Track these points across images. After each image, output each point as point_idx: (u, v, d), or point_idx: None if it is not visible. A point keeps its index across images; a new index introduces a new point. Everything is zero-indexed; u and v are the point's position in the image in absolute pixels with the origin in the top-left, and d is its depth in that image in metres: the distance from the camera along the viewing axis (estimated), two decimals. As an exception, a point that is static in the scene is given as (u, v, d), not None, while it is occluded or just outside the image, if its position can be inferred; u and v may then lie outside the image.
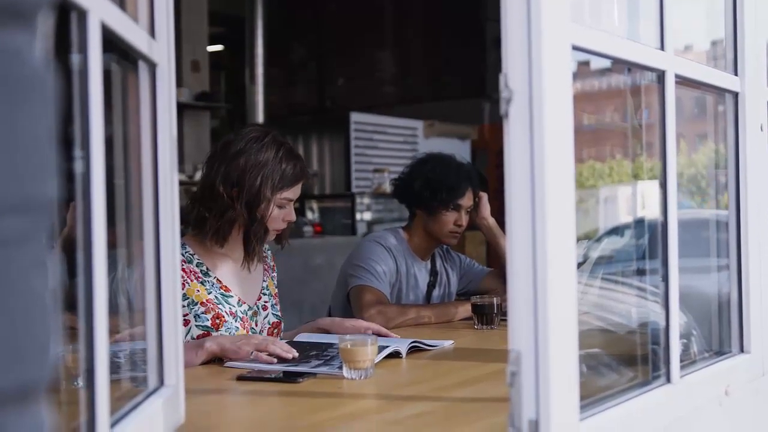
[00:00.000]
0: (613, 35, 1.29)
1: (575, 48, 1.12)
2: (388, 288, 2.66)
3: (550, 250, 1.03)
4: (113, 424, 0.96)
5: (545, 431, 1.03)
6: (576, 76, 1.12)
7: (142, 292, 1.21)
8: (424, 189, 2.73)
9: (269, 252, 2.34)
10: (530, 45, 1.04)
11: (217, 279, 2.13)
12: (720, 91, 1.69)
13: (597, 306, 1.62)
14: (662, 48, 1.39)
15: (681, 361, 1.41)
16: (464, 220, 2.76)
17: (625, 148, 1.86)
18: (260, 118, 8.36)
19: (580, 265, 1.51)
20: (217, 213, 2.08)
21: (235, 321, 2.11)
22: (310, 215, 7.05)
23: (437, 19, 9.16)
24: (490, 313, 2.45)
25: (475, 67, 8.72)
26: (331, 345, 1.98)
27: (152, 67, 1.20)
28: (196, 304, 2.06)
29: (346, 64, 9.81)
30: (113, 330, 1.00)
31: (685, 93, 1.58)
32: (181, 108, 6.91)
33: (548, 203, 1.03)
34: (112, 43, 0.99)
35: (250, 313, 2.17)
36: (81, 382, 0.93)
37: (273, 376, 1.74)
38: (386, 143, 7.70)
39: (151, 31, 1.21)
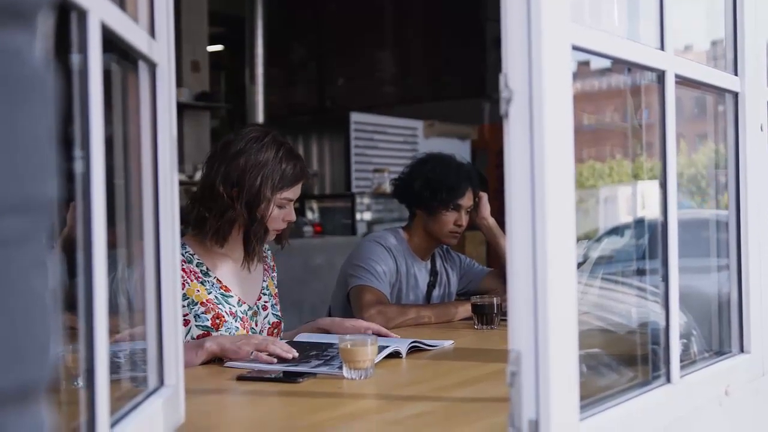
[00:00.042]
0: (613, 35, 1.29)
1: (575, 48, 1.12)
2: (388, 288, 2.66)
3: (550, 250, 1.03)
4: (113, 424, 0.96)
5: (545, 431, 1.03)
6: (576, 76, 1.12)
7: (142, 292, 1.21)
8: (424, 189, 2.73)
9: (269, 252, 2.34)
10: (530, 45, 1.04)
11: (217, 279, 2.13)
12: (720, 91, 1.69)
13: (597, 306, 1.62)
14: (662, 48, 1.39)
15: (681, 361, 1.41)
16: (464, 220, 2.76)
17: (625, 148, 1.86)
18: (260, 118, 8.36)
19: (580, 265, 1.51)
20: (217, 213, 2.08)
21: (235, 321, 2.11)
22: (310, 215, 7.06)
23: (437, 19, 9.16)
24: (490, 313, 2.45)
25: (475, 67, 8.72)
26: (331, 345, 1.98)
27: (152, 67, 1.20)
28: (196, 304, 2.06)
29: (346, 64, 9.81)
30: (113, 330, 1.00)
31: (685, 93, 1.58)
32: (181, 108, 6.92)
33: (548, 203, 1.03)
34: (112, 43, 0.99)
35: (250, 313, 2.17)
36: (81, 382, 0.93)
37: (273, 376, 1.74)
38: (386, 143, 7.70)
39: (151, 31, 1.21)
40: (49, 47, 0.64)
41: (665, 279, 1.39)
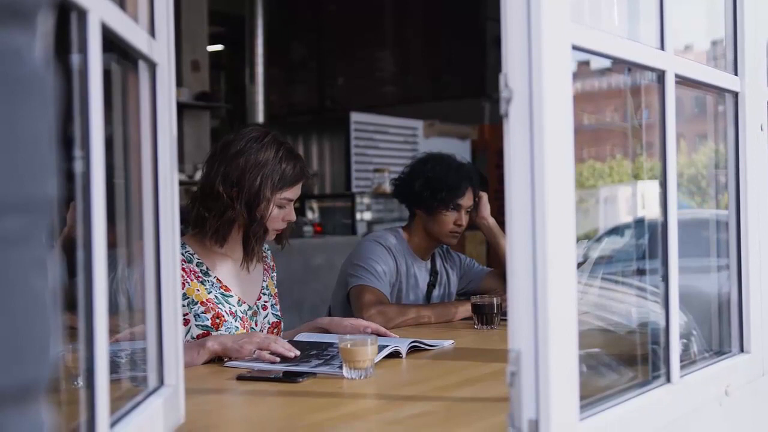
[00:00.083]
0: (613, 35, 1.29)
1: (575, 48, 1.12)
2: (388, 288, 2.66)
3: (550, 250, 1.03)
4: (113, 424, 0.96)
5: (545, 431, 1.03)
6: (576, 76, 1.12)
7: (142, 292, 1.21)
8: (424, 189, 2.73)
9: (269, 252, 2.34)
10: (530, 45, 1.04)
11: (217, 279, 2.13)
12: (720, 91, 1.69)
13: (597, 306, 1.62)
14: (662, 48, 1.39)
15: (681, 361, 1.41)
16: (464, 220, 2.76)
17: (625, 148, 1.86)
18: (260, 118, 8.37)
19: (580, 265, 1.51)
20: (216, 213, 2.08)
21: (235, 321, 2.11)
22: (310, 215, 7.06)
23: (437, 19, 9.16)
24: (490, 313, 2.45)
25: (475, 67, 8.73)
26: (331, 344, 1.98)
27: (152, 66, 1.20)
28: (196, 303, 2.06)
29: (346, 64, 9.82)
30: (113, 330, 1.00)
31: (685, 93, 1.58)
32: (181, 108, 6.92)
33: (548, 203, 1.03)
34: (112, 42, 0.99)
35: (249, 312, 2.17)
36: (81, 382, 0.93)
37: (273, 375, 1.74)
38: (386, 143, 7.70)
39: (151, 31, 1.21)
40: (49, 47, 0.64)
41: (665, 279, 1.39)
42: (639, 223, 1.78)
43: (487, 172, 7.28)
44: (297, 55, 10.18)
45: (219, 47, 10.26)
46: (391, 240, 2.76)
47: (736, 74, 1.68)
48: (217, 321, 2.07)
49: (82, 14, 0.87)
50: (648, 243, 1.61)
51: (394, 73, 9.58)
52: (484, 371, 1.83)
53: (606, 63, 1.41)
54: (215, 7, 7.96)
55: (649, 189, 1.55)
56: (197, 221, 2.13)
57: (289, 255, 2.53)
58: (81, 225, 0.88)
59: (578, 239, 1.13)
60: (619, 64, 1.45)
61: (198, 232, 2.15)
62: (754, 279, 1.69)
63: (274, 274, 2.34)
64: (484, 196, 2.85)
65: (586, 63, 1.30)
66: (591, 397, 1.19)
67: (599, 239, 2.05)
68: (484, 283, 2.91)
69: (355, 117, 7.55)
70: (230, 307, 2.12)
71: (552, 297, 1.03)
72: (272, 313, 2.25)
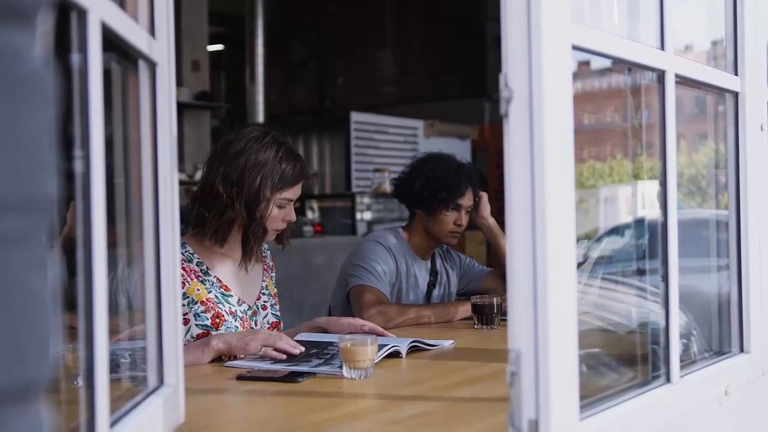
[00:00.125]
0: (613, 35, 1.29)
1: (575, 48, 1.12)
2: (388, 288, 2.66)
3: (550, 250, 1.03)
4: (113, 424, 0.96)
5: (545, 431, 1.03)
6: (576, 76, 1.12)
7: (142, 292, 1.21)
8: (424, 189, 2.73)
9: (268, 252, 2.34)
10: (530, 45, 1.04)
11: (217, 278, 2.13)
12: (720, 91, 1.69)
13: (597, 306, 1.62)
14: (662, 48, 1.39)
15: (681, 361, 1.41)
16: (464, 219, 2.76)
17: (625, 148, 1.86)
18: (260, 117, 8.37)
19: (580, 265, 1.51)
20: (216, 213, 2.08)
21: (235, 320, 2.11)
22: (310, 215, 7.06)
23: (437, 19, 9.16)
24: (490, 313, 2.45)
25: (476, 67, 8.73)
26: (331, 344, 1.98)
27: (152, 66, 1.20)
28: (196, 303, 2.06)
29: (346, 64, 9.82)
30: (113, 330, 1.00)
31: (685, 93, 1.58)
32: (181, 108, 6.92)
33: (548, 203, 1.03)
34: (112, 42, 0.99)
35: (249, 312, 2.17)
36: (81, 382, 0.93)
37: (273, 375, 1.74)
38: (386, 143, 7.70)
39: (151, 31, 1.21)
40: (49, 47, 0.64)
41: (665, 279, 1.39)
42: (639, 223, 1.78)
43: (487, 172, 7.28)
44: (297, 55, 10.19)
45: (219, 47, 10.26)
46: (391, 240, 2.76)
47: (736, 74, 1.68)
48: (217, 321, 2.07)
49: (82, 14, 0.87)
50: (648, 243, 1.61)
51: (394, 73, 9.58)
52: (484, 371, 1.83)
53: (606, 63, 1.41)
54: (215, 7, 7.96)
55: (649, 189, 1.55)
56: (197, 221, 2.13)
57: (289, 255, 2.53)
58: (81, 225, 0.88)
59: (578, 239, 1.13)
60: (619, 64, 1.45)
61: (198, 232, 2.15)
62: (754, 279, 1.69)
63: (273, 274, 2.34)
64: (484, 196, 2.85)
65: (587, 63, 1.30)
66: (591, 397, 1.19)
67: (599, 239, 2.05)
68: (484, 283, 2.91)
69: (355, 117, 7.56)
70: (230, 307, 2.12)
71: (552, 297, 1.03)
72: (272, 313, 2.25)
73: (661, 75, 1.39)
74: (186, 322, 2.04)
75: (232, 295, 2.14)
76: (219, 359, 1.92)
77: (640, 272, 1.71)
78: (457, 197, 2.72)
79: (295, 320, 2.51)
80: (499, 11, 1.06)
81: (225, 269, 2.16)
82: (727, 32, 1.69)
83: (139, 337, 1.24)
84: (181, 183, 5.92)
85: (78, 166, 0.87)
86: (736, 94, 1.68)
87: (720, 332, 1.74)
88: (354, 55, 9.67)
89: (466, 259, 3.01)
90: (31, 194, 0.60)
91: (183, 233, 2.10)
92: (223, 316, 2.09)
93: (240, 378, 1.74)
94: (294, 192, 2.14)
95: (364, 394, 1.63)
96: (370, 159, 7.52)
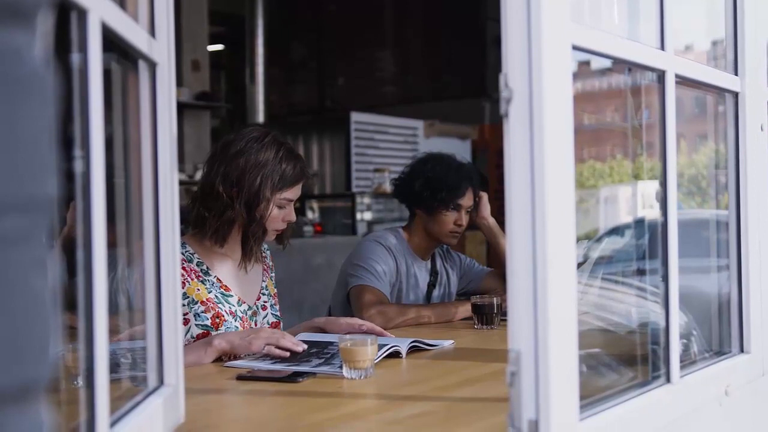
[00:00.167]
0: (613, 35, 1.29)
1: (575, 48, 1.12)
2: (388, 288, 2.66)
3: (550, 250, 1.03)
4: (113, 424, 0.96)
5: (545, 431, 1.03)
6: (576, 76, 1.12)
7: (142, 292, 1.21)
8: (425, 189, 2.73)
9: (268, 252, 2.34)
10: (530, 45, 1.04)
11: (217, 278, 2.13)
12: (720, 91, 1.69)
13: (597, 306, 1.62)
14: (662, 48, 1.39)
15: (681, 361, 1.41)
16: (464, 220, 2.76)
17: (625, 148, 1.86)
18: (260, 117, 8.37)
19: (580, 265, 1.51)
20: (216, 213, 2.08)
21: (235, 320, 2.11)
22: (310, 215, 7.06)
23: (437, 19, 9.16)
24: (490, 313, 2.45)
25: (476, 67, 8.73)
26: (331, 343, 1.98)
27: (152, 66, 1.20)
28: (196, 302, 2.06)
29: (346, 64, 9.82)
30: (113, 329, 1.00)
31: (685, 93, 1.58)
32: (181, 108, 6.92)
33: (548, 203, 1.03)
34: (112, 42, 0.99)
35: (249, 312, 2.17)
36: (81, 382, 0.93)
37: (273, 375, 1.73)
38: (386, 143, 7.70)
39: (151, 31, 1.21)
40: (49, 47, 0.64)
41: (665, 279, 1.39)
42: (639, 223, 1.78)
43: (487, 172, 7.28)
44: (297, 55, 10.19)
45: (219, 47, 10.27)
46: (391, 240, 2.76)
47: (736, 74, 1.68)
48: (217, 321, 2.07)
49: (82, 14, 0.87)
50: (648, 243, 1.61)
51: (394, 73, 9.58)
52: (484, 371, 1.83)
53: (606, 63, 1.40)
54: (215, 7, 7.96)
55: (650, 189, 1.55)
56: (197, 221, 2.13)
57: (289, 255, 2.53)
58: (81, 225, 0.88)
59: (578, 239, 1.13)
60: (620, 64, 1.45)
61: (198, 232, 2.15)
62: (754, 279, 1.69)
63: (273, 274, 2.34)
64: (484, 196, 2.85)
65: (587, 63, 1.30)
66: (591, 397, 1.19)
67: (599, 239, 2.05)
68: (484, 283, 2.91)
69: (355, 117, 7.56)
70: (230, 307, 2.12)
71: (552, 297, 1.03)
72: (272, 314, 2.25)
73: (661, 75, 1.39)
74: (186, 322, 2.03)
75: (232, 295, 2.14)
76: (219, 359, 1.92)
77: (640, 272, 1.71)
78: (457, 197, 2.72)
79: (295, 320, 2.51)
80: (499, 11, 1.06)
81: (225, 269, 2.16)
82: (727, 32, 1.69)
83: (139, 337, 1.24)
84: (181, 183, 5.92)
85: (78, 166, 0.87)
86: (736, 94, 1.68)
87: (720, 332, 1.74)
88: (354, 55, 9.68)
89: (466, 259, 3.01)
90: (31, 194, 0.60)
91: (183, 233, 2.10)
92: (223, 316, 2.09)
93: (240, 378, 1.74)
94: (294, 192, 2.14)
95: (364, 394, 1.63)
96: (370, 159, 7.52)
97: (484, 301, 2.48)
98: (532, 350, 1.04)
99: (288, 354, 1.86)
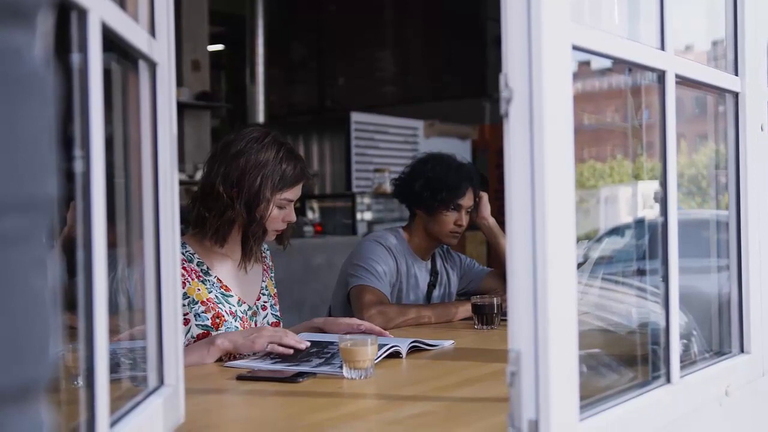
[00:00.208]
0: (613, 35, 1.29)
1: (575, 48, 1.12)
2: (388, 288, 2.66)
3: (550, 250, 1.03)
4: (113, 424, 0.96)
5: (545, 431, 1.03)
6: (576, 76, 1.12)
7: (142, 292, 1.21)
8: (425, 189, 2.73)
9: (268, 252, 2.34)
10: (530, 45, 1.04)
11: (218, 278, 2.13)
12: (720, 91, 1.69)
13: (597, 306, 1.62)
14: (662, 48, 1.39)
15: (681, 361, 1.41)
16: (464, 220, 2.76)
17: (625, 148, 1.86)
18: (260, 117, 8.37)
19: (580, 265, 1.51)
20: (216, 213, 2.08)
21: (235, 320, 2.11)
22: (310, 215, 7.06)
23: (437, 19, 9.17)
24: (490, 313, 2.45)
25: (476, 67, 8.73)
26: (331, 343, 1.98)
27: (152, 66, 1.20)
28: (197, 303, 2.06)
29: (346, 64, 9.82)
30: (113, 329, 1.00)
31: (686, 93, 1.58)
32: (182, 107, 6.92)
33: (548, 203, 1.03)
34: (112, 42, 0.99)
35: (249, 312, 2.17)
36: (81, 382, 0.93)
37: (273, 376, 1.74)
38: (386, 143, 7.70)
39: (152, 31, 1.21)
40: (49, 47, 0.64)
41: (665, 279, 1.39)
42: (639, 223, 1.78)
43: (487, 172, 7.28)
44: (297, 55, 10.19)
45: (219, 47, 10.27)
46: (392, 240, 2.76)
47: (736, 74, 1.68)
48: (217, 321, 2.07)
49: (82, 14, 0.87)
50: (648, 243, 1.61)
51: (394, 73, 9.58)
52: (484, 371, 1.83)
53: (606, 63, 1.41)
54: (215, 7, 7.96)
55: (650, 189, 1.55)
56: (197, 221, 2.13)
57: (289, 255, 2.53)
58: (81, 225, 0.88)
59: (578, 239, 1.13)
60: (620, 64, 1.45)
61: (198, 232, 2.15)
62: (754, 279, 1.69)
63: (273, 274, 2.34)
64: (485, 196, 2.85)
65: (587, 63, 1.30)
66: (591, 397, 1.19)
67: (599, 239, 2.05)
68: (484, 283, 2.91)
69: (356, 117, 7.56)
70: (230, 307, 2.12)
71: (552, 297, 1.03)
72: (271, 314, 2.25)
73: (661, 75, 1.39)
74: (186, 322, 2.03)
75: (232, 296, 2.14)
76: (219, 359, 1.92)
77: (641, 272, 1.71)
78: (457, 197, 2.72)
79: (295, 320, 2.51)
80: (499, 11, 1.06)
81: (225, 269, 2.16)
82: (727, 32, 1.69)
83: (139, 337, 1.24)
84: (181, 183, 5.92)
85: (78, 166, 0.87)
86: (736, 95, 1.68)
87: (720, 332, 1.74)
88: (354, 55, 9.68)
89: (467, 259, 3.01)
90: (31, 194, 0.60)
91: (183, 233, 2.10)
92: (224, 316, 2.09)
93: (240, 378, 1.74)
94: (294, 192, 2.14)
95: (364, 394, 1.63)
96: (370, 159, 7.52)
97: (484, 301, 2.48)
98: (532, 350, 1.04)
99: (291, 351, 1.87)
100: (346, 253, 2.83)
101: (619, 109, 1.75)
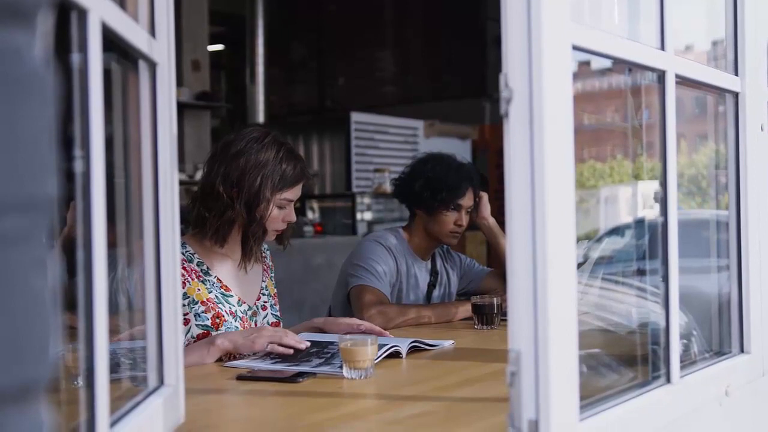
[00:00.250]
0: (613, 35, 1.29)
1: (575, 48, 1.12)
2: (388, 288, 2.66)
3: (550, 250, 1.03)
4: (113, 424, 0.96)
5: (545, 431, 1.03)
6: (576, 76, 1.12)
7: (142, 292, 1.21)
8: (425, 189, 2.73)
9: (268, 252, 2.34)
10: (530, 45, 1.04)
11: (218, 278, 2.13)
12: (720, 91, 1.69)
13: (597, 306, 1.62)
14: (662, 48, 1.39)
15: (681, 361, 1.41)
16: (464, 220, 2.76)
17: (625, 148, 1.86)
18: (260, 117, 8.37)
19: (580, 265, 1.51)
20: (216, 213, 2.08)
21: (235, 321, 2.11)
22: (310, 215, 7.06)
23: (437, 19, 9.17)
24: (490, 313, 2.45)
25: (476, 67, 8.73)
26: (331, 343, 1.98)
27: (152, 66, 1.20)
28: (197, 303, 2.06)
29: (346, 64, 9.82)
30: (113, 329, 1.00)
31: (686, 93, 1.58)
32: (182, 108, 6.92)
33: (548, 203, 1.03)
34: (112, 42, 0.99)
35: (249, 312, 2.17)
36: (81, 382, 0.93)
37: (273, 376, 1.73)
38: (386, 143, 7.70)
39: (152, 31, 1.21)
40: (49, 47, 0.64)
41: (665, 279, 1.39)
42: (639, 223, 1.78)
43: (487, 172, 7.28)
44: (297, 55, 10.19)
45: (219, 47, 10.27)
46: (392, 240, 2.76)
47: (736, 74, 1.68)
48: (217, 321, 2.07)
49: (82, 14, 0.87)
50: (648, 243, 1.61)
51: (394, 73, 9.58)
52: (484, 371, 1.83)
53: (606, 63, 1.41)
54: (215, 7, 7.96)
55: (650, 189, 1.55)
56: (197, 221, 2.13)
57: (289, 255, 2.53)
58: (81, 225, 0.88)
59: (578, 239, 1.13)
60: (620, 64, 1.45)
61: (198, 232, 2.15)
62: (754, 279, 1.69)
63: (273, 274, 2.34)
64: (485, 196, 2.85)
65: (587, 63, 1.30)
66: (591, 397, 1.19)
67: (599, 239, 2.05)
68: (484, 283, 2.91)
69: (356, 117, 7.56)
70: (230, 307, 2.12)
71: (552, 297, 1.03)
72: (271, 314, 2.25)
73: (661, 75, 1.39)
74: (186, 322, 2.03)
75: (232, 296, 2.14)
76: (219, 359, 1.92)
77: (641, 272, 1.71)
78: (457, 197, 2.72)
79: (295, 320, 2.51)
80: (499, 11, 1.06)
81: (225, 269, 2.16)
82: (727, 32, 1.69)
83: (139, 337, 1.24)
84: (181, 183, 5.92)
85: (78, 166, 0.87)
86: (736, 95, 1.68)
87: (720, 332, 1.74)
88: (354, 55, 9.68)
89: (467, 259, 3.01)
90: (31, 194, 0.60)
91: (183, 233, 2.10)
92: (224, 316, 2.09)
93: (240, 378, 1.74)
94: (294, 192, 2.14)
95: (364, 394, 1.63)
96: (370, 159, 7.52)
97: (484, 301, 2.48)
98: (532, 350, 1.04)
99: (291, 352, 1.87)
100: (346, 253, 2.83)
101: (619, 109, 1.75)
